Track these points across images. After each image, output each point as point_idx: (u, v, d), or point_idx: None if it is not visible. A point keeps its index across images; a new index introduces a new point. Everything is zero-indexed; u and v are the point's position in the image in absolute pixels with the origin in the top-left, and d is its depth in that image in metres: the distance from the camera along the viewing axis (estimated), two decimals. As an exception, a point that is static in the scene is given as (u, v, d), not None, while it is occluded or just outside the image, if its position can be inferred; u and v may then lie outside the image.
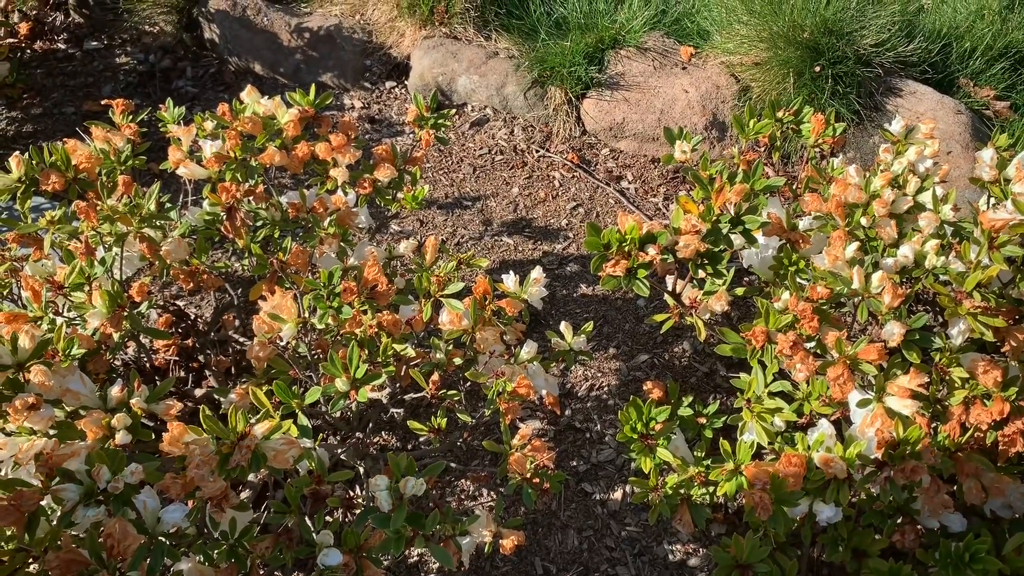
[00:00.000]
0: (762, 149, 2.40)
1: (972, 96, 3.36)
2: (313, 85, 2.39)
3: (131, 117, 2.21)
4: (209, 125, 2.26)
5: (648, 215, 3.20)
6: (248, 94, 2.29)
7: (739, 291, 2.30)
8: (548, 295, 2.84)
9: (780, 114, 2.34)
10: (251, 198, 2.11)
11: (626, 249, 1.90)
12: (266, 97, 2.30)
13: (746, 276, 2.87)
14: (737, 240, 2.00)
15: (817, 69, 3.10)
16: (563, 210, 3.21)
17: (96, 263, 1.91)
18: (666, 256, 1.90)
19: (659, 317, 2.19)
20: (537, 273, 2.20)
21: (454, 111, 3.42)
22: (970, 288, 1.77)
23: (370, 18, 3.70)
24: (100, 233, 1.91)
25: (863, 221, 2.01)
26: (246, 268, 2.70)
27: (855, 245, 1.90)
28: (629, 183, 3.33)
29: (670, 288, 2.23)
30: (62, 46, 3.83)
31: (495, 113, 3.56)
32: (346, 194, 2.34)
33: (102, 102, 2.43)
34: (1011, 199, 1.89)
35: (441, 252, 2.33)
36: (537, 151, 3.43)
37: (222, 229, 2.08)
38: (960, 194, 2.77)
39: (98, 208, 1.88)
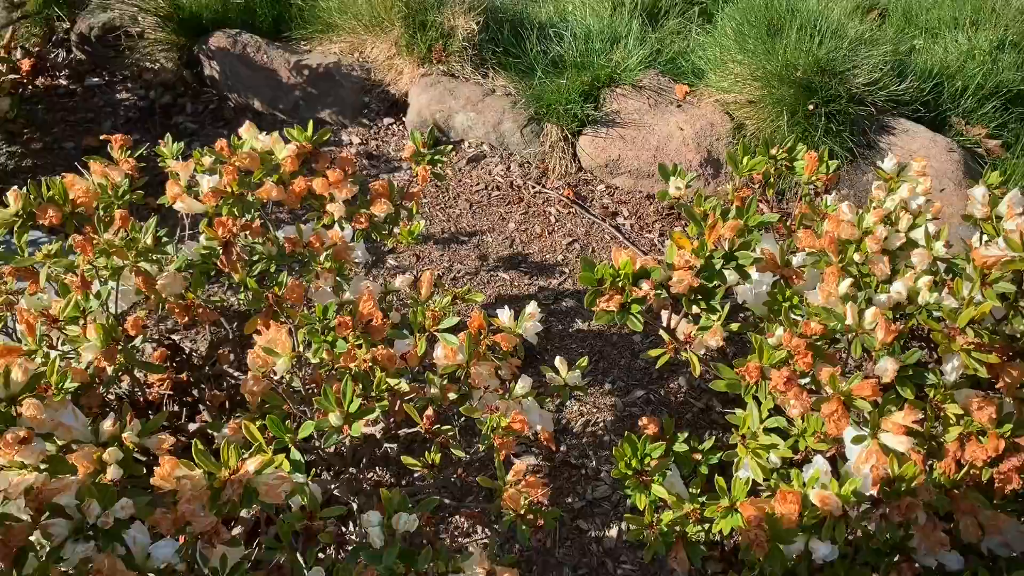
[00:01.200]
0: (756, 186, 2.42)
1: (964, 134, 3.39)
2: (311, 121, 2.41)
3: (129, 152, 2.23)
4: (207, 160, 2.27)
5: (643, 251, 3.21)
6: (246, 130, 2.31)
7: (734, 326, 2.31)
8: (544, 330, 2.85)
9: (774, 152, 2.36)
10: (247, 233, 2.12)
11: (620, 284, 1.90)
12: (264, 133, 2.32)
13: (742, 312, 2.87)
14: (731, 276, 2.01)
15: (811, 108, 3.13)
16: (559, 245, 3.22)
17: (92, 297, 1.92)
18: (660, 292, 1.90)
19: (654, 352, 2.19)
20: (532, 308, 2.20)
21: (451, 148, 3.45)
22: (963, 324, 1.77)
23: (369, 56, 3.75)
24: (96, 267, 1.91)
25: (856, 257, 2.02)
26: (242, 302, 2.71)
27: (848, 281, 1.90)
28: (625, 219, 3.35)
29: (664, 323, 2.23)
30: (63, 82, 3.87)
31: (492, 149, 3.59)
32: (342, 229, 2.35)
33: (101, 137, 2.45)
34: (1003, 236, 1.90)
35: (437, 287, 2.33)
36: (533, 187, 3.45)
37: (218, 263, 2.08)
38: (953, 231, 2.78)
39: (94, 242, 1.88)
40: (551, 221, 3.33)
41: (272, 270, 2.23)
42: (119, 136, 2.23)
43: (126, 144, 2.24)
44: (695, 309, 1.94)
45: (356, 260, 2.73)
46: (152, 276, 1.99)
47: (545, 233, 3.28)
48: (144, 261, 1.96)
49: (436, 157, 2.53)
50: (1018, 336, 1.88)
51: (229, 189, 2.13)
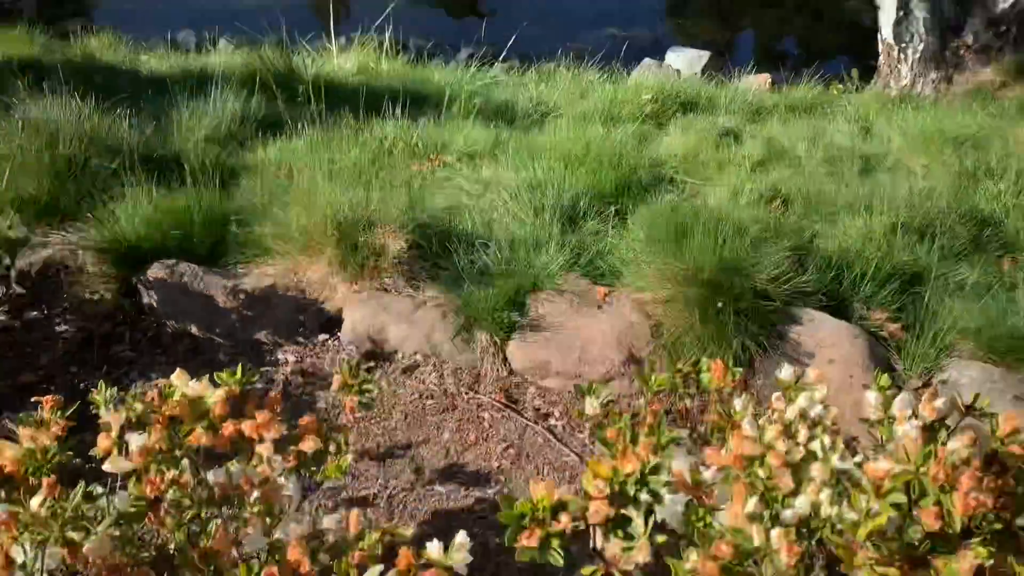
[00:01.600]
0: (676, 391, 2.56)
1: (867, 319, 3.62)
2: (240, 366, 2.51)
3: (60, 413, 2.28)
4: (139, 407, 2.34)
5: (576, 451, 3.30)
6: (177, 377, 2.39)
7: (660, 539, 2.36)
8: (481, 546, 2.86)
9: (680, 366, 2.51)
10: (176, 486, 2.16)
11: (540, 517, 1.97)
12: (194, 380, 2.40)
13: (673, 512, 2.94)
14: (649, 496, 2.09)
15: (719, 306, 3.34)
16: (494, 452, 3.29)
17: (17, 569, 1.92)
18: (577, 524, 1.98)
19: (586, 571, 2.22)
20: (461, 538, 2.24)
21: (382, 366, 3.57)
22: (862, 538, 1.87)
23: (304, 277, 3.92)
24: (21, 543, 1.93)
25: (761, 473, 2.12)
26: (179, 543, 2.69)
27: (755, 499, 2.00)
28: (556, 420, 3.45)
29: (592, 543, 2.28)
30: (2, 318, 3.94)
31: (425, 359, 3.71)
32: (271, 467, 2.40)
33: (32, 399, 2.48)
34: (891, 446, 2.03)
35: (365, 519, 2.37)
36: (466, 393, 3.56)
37: (147, 520, 2.11)
38: (862, 426, 2.93)
39: (18, 516, 1.91)
40: (485, 427, 3.41)
41: (203, 515, 2.25)
42: (49, 398, 2.29)
43: (56, 405, 2.29)
44: (613, 538, 2.01)
45: (287, 493, 2.77)
46: (79, 543, 2.00)
47: (480, 440, 3.35)
48: (71, 530, 1.98)
49: (363, 386, 2.65)
50: (916, 543, 1.97)
51: (158, 447, 2.18)
